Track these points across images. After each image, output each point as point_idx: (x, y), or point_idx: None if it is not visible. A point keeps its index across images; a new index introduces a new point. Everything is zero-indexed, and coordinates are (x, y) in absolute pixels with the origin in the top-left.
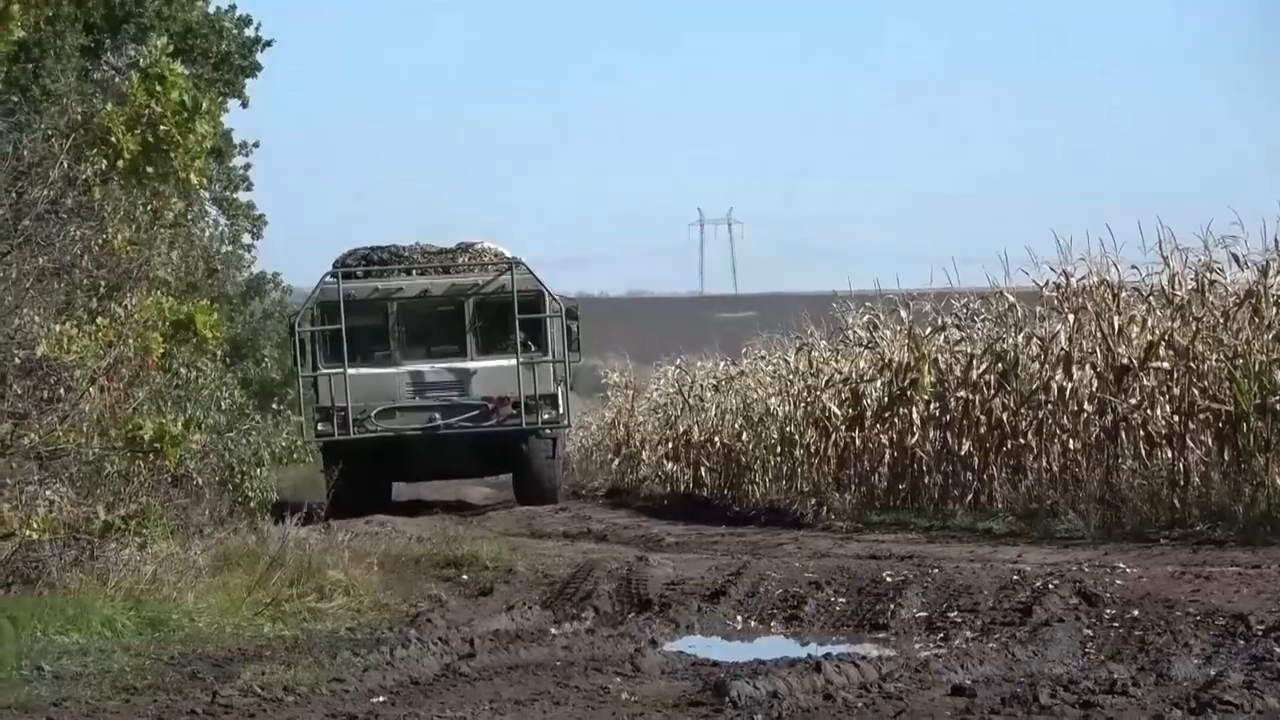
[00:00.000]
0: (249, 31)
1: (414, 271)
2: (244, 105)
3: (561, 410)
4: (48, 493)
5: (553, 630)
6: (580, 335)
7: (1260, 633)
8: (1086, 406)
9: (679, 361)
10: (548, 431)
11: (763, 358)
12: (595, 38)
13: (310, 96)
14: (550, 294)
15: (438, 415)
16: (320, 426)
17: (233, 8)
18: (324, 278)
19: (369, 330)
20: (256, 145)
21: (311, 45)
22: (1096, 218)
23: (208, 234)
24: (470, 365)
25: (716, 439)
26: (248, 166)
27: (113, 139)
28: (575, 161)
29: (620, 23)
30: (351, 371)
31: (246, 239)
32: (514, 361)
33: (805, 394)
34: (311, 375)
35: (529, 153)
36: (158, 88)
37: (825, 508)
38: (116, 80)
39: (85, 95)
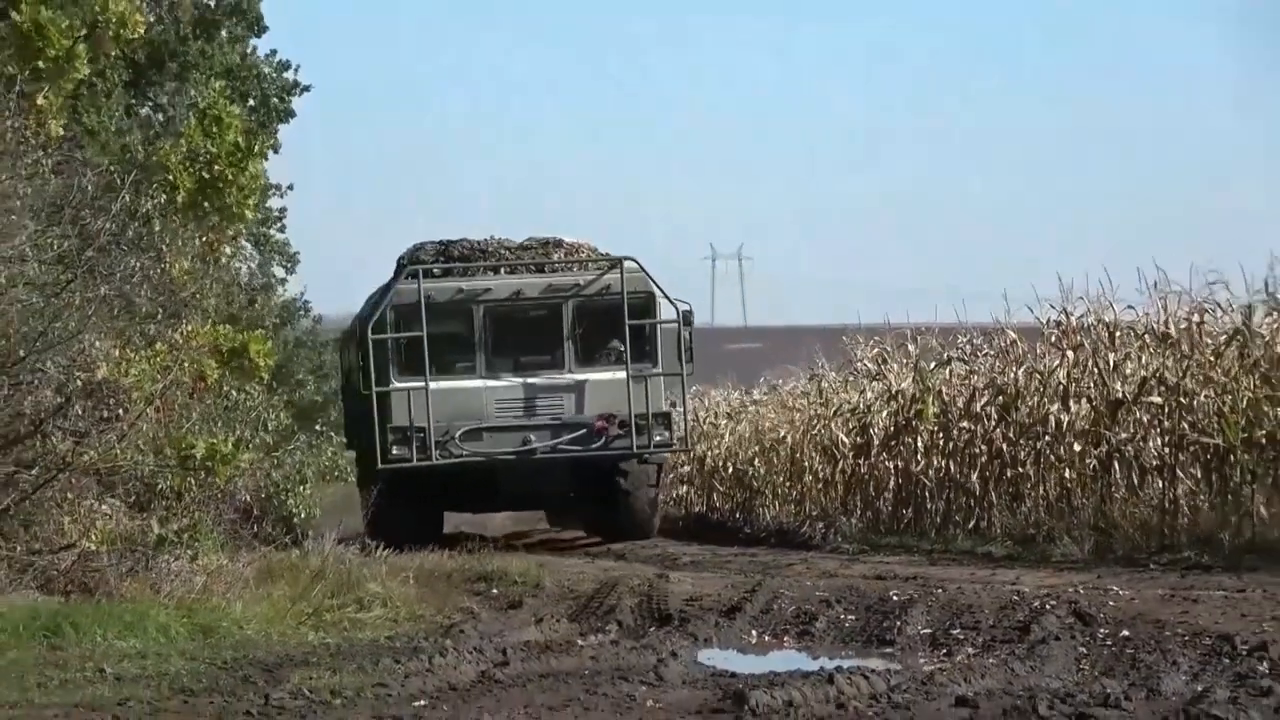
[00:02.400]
0: (288, 75)
1: (502, 270)
2: (275, 150)
3: (677, 430)
4: (105, 507)
5: (579, 641)
6: (694, 344)
7: (1245, 652)
8: (1082, 438)
9: (693, 390)
10: (657, 456)
11: (774, 387)
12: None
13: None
14: (665, 295)
15: (533, 437)
16: (395, 450)
17: (273, 52)
18: (398, 277)
19: (451, 338)
20: (291, 188)
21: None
22: (1102, 255)
23: (244, 268)
24: (572, 379)
25: (729, 464)
26: (283, 209)
27: (170, 175)
28: (592, 195)
29: (640, 54)
30: (433, 386)
31: (279, 272)
32: (623, 374)
33: (815, 422)
34: (386, 390)
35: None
36: (214, 129)
37: (833, 530)
38: (160, 118)
39: (125, 131)
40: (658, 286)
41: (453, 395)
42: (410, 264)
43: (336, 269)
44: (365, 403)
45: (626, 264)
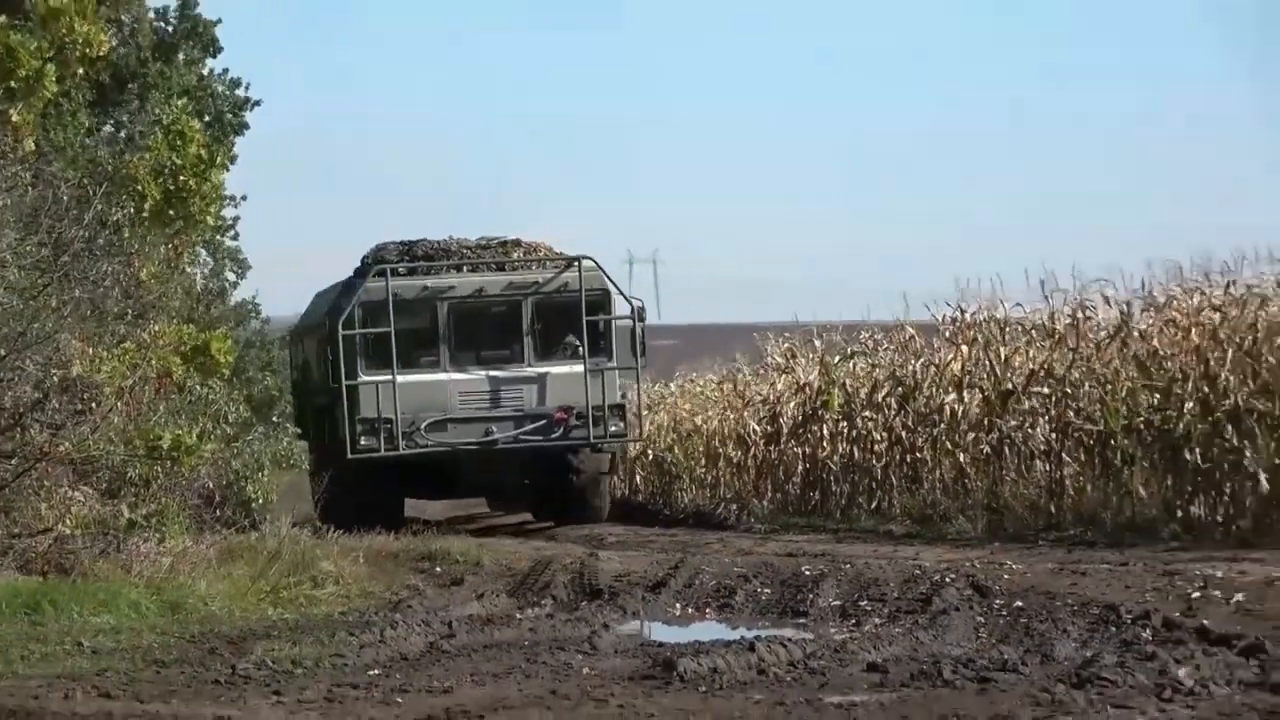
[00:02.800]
0: (239, 92)
1: (465, 268)
2: (232, 162)
3: (631, 421)
4: (79, 494)
5: (518, 615)
6: (645, 339)
7: (1129, 620)
8: (975, 426)
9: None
10: (610, 445)
11: (691, 380)
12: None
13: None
14: (620, 292)
15: (494, 428)
16: (364, 440)
17: (225, 71)
18: (364, 275)
19: (417, 333)
20: (244, 198)
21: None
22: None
23: (199, 273)
24: (532, 372)
25: (649, 451)
26: (236, 218)
27: (139, 186)
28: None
29: (560, 65)
30: (400, 379)
31: (231, 277)
32: (580, 368)
33: (728, 413)
34: (355, 383)
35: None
36: (179, 142)
37: (746, 512)
38: (122, 134)
39: (89, 148)
40: (613, 284)
41: (418, 388)
42: (375, 263)
43: (280, 273)
44: (329, 395)
45: (584, 262)
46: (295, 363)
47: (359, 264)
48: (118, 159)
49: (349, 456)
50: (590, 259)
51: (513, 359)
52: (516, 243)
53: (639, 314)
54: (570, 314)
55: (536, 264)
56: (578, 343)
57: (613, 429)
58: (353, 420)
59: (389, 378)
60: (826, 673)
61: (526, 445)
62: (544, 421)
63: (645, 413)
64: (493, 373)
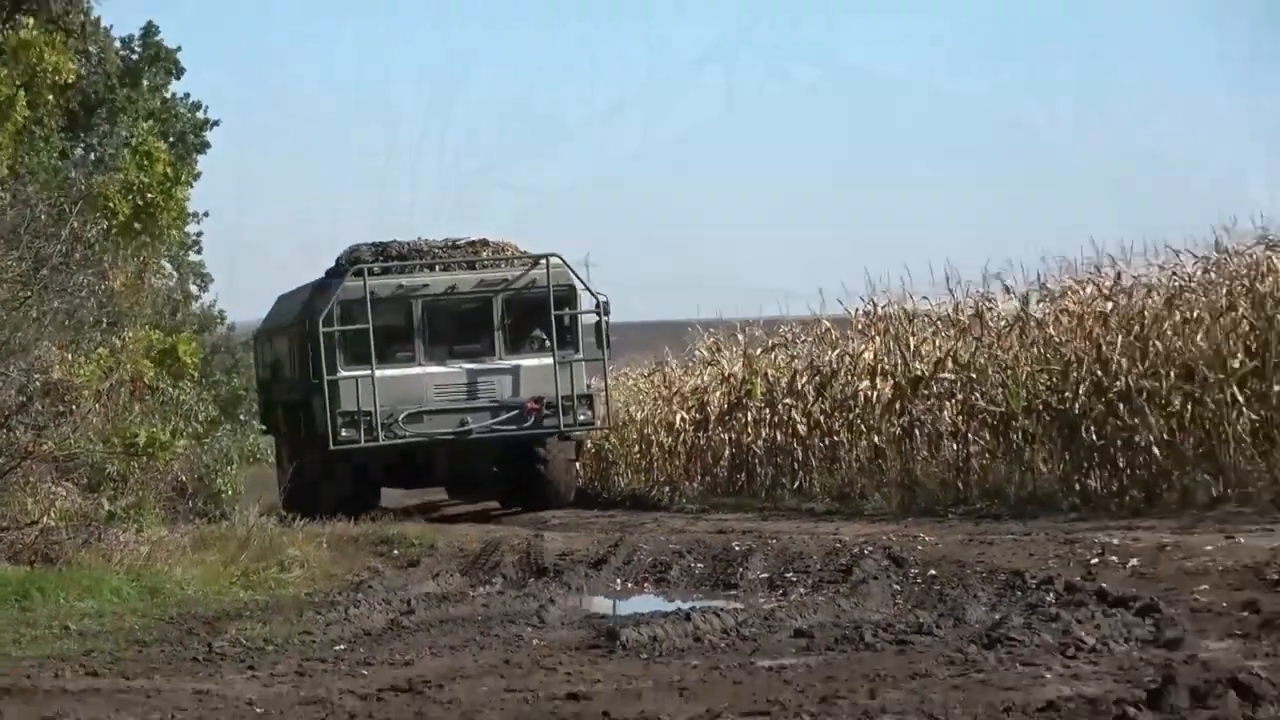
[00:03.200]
0: (200, 114)
1: (436, 267)
2: (196, 179)
3: (600, 410)
4: (62, 489)
5: (471, 592)
6: (610, 332)
7: (1034, 585)
8: (888, 410)
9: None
10: (579, 433)
11: (624, 374)
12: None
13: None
14: (587, 287)
15: (469, 418)
16: (345, 433)
17: (187, 95)
18: (340, 275)
19: (393, 329)
20: (206, 214)
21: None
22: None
23: (163, 284)
24: (504, 365)
25: (589, 441)
26: (199, 233)
27: (109, 204)
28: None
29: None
30: (378, 373)
31: (194, 289)
32: (550, 360)
33: (659, 403)
34: (335, 378)
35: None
36: (145, 162)
37: (678, 494)
38: (93, 156)
39: (60, 170)
40: (579, 279)
41: (396, 382)
42: (350, 264)
43: (242, 280)
44: (305, 390)
45: (551, 260)
46: (263, 361)
47: (334, 265)
48: (89, 179)
49: (331, 448)
50: (557, 256)
51: (484, 353)
52: (484, 242)
53: (604, 308)
54: (539, 309)
55: (506, 262)
56: (545, 336)
57: (581, 418)
58: (334, 414)
59: (368, 372)
60: (757, 639)
61: (499, 435)
62: (516, 412)
63: (615, 402)
64: (466, 366)
